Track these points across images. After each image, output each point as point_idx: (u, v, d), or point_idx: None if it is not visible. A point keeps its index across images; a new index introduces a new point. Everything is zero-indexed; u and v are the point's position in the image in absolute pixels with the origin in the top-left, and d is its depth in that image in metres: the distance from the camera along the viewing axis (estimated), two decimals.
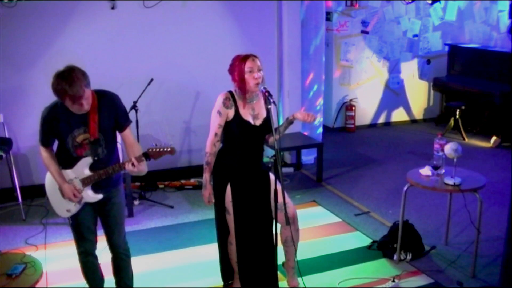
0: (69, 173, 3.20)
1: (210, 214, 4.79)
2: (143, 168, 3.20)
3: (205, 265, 4.16)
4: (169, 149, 3.18)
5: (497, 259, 4.07)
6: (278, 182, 3.35)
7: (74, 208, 3.24)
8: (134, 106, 5.21)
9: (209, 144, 3.44)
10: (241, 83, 3.36)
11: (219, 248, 3.73)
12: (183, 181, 5.95)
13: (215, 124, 3.41)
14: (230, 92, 3.45)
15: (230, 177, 3.45)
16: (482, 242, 4.13)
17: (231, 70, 3.42)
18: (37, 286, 3.15)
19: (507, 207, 3.57)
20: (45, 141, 3.20)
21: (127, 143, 3.30)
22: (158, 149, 3.16)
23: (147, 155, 3.15)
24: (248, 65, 3.33)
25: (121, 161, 3.37)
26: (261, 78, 3.36)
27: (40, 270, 3.21)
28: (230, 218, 3.50)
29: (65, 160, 3.20)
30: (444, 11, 8.31)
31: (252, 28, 6.13)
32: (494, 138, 7.31)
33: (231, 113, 3.40)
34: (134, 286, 3.62)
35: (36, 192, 5.32)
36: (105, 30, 5.53)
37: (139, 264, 4.25)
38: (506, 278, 3.50)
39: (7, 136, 5.29)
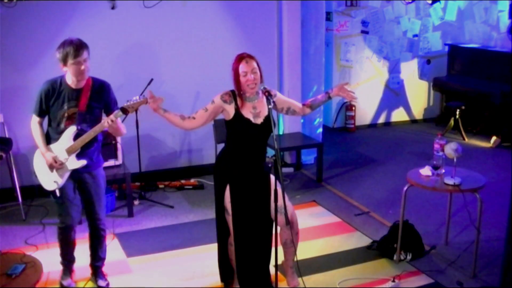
0: (55, 146, 3.49)
1: (210, 214, 4.81)
2: (121, 126, 3.52)
3: (205, 265, 4.15)
4: (142, 99, 3.45)
5: (497, 259, 4.06)
6: (278, 184, 3.34)
7: (60, 179, 3.51)
8: None
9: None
10: (236, 83, 3.36)
11: (219, 248, 3.74)
12: (183, 181, 5.95)
13: (204, 106, 3.45)
14: (232, 90, 3.45)
15: (230, 178, 3.45)
16: (482, 242, 4.13)
17: (231, 69, 3.43)
18: (37, 286, 3.15)
19: (507, 207, 3.57)
20: (40, 110, 3.51)
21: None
22: (132, 102, 3.45)
23: (124, 110, 3.43)
24: (241, 69, 3.32)
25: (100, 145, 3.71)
26: (257, 80, 3.34)
27: (40, 270, 3.21)
28: (230, 219, 3.50)
29: (53, 133, 3.52)
30: (444, 11, 8.31)
31: (252, 28, 6.12)
32: (494, 138, 7.30)
33: (231, 110, 3.39)
34: (134, 286, 3.62)
35: (36, 192, 5.32)
36: (105, 30, 5.52)
37: (139, 264, 4.25)
38: (506, 278, 3.50)
39: (7, 136, 5.29)
